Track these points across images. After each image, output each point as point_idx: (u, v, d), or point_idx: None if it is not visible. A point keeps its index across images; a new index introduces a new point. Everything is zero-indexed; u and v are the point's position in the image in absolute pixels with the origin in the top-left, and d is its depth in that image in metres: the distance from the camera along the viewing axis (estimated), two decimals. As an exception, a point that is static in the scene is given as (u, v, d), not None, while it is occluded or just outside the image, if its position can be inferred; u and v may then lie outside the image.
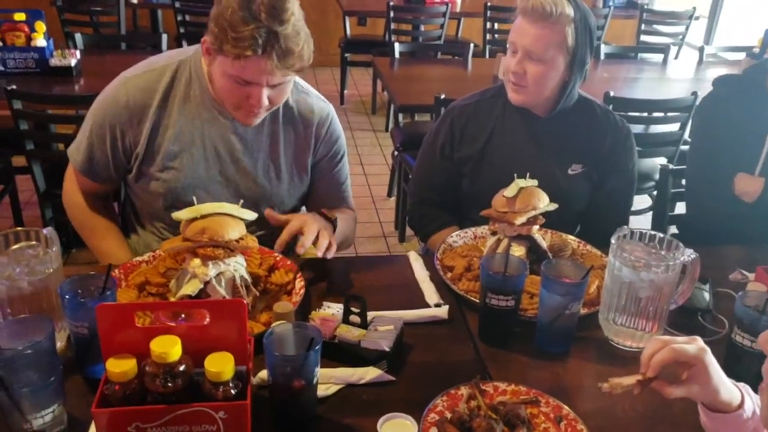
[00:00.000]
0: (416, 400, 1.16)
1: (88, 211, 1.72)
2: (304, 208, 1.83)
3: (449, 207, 1.92)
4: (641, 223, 3.76)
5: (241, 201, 1.41)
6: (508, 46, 1.75)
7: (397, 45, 3.68)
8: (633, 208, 3.65)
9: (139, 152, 1.60)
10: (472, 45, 3.71)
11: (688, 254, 1.35)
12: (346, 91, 5.58)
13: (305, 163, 1.72)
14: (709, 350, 1.00)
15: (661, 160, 3.18)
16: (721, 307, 1.51)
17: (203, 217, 1.34)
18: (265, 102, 1.47)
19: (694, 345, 1.00)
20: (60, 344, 1.26)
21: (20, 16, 3.08)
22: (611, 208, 1.90)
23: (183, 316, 1.12)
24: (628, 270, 1.30)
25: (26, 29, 3.05)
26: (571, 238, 1.72)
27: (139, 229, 1.77)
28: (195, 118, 1.59)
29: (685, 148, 2.84)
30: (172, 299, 1.36)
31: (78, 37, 3.54)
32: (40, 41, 3.05)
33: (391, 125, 4.85)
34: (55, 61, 3.04)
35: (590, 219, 1.92)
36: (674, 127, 3.10)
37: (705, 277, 1.54)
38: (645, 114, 3.22)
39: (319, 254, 1.48)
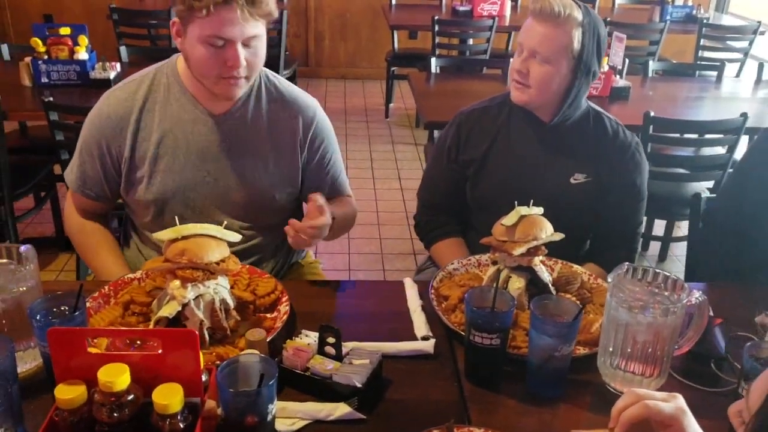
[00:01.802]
0: (384, 441, 1.10)
1: (84, 229, 1.73)
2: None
3: (456, 214, 1.91)
4: (683, 251, 3.60)
5: (225, 222, 1.38)
6: (516, 46, 1.74)
7: (434, 60, 3.63)
8: (677, 235, 3.52)
9: (125, 159, 1.62)
10: (511, 60, 3.59)
11: (696, 296, 1.24)
12: (391, 105, 5.53)
13: (295, 158, 1.71)
14: (688, 411, 0.91)
15: (708, 184, 3.02)
16: (739, 354, 1.39)
17: (184, 238, 1.32)
18: (243, 61, 1.48)
19: (671, 403, 0.91)
20: (37, 363, 1.25)
21: (65, 31, 3.16)
22: (618, 225, 1.85)
23: (138, 343, 1.09)
24: (624, 311, 1.20)
25: (70, 43, 3.14)
26: (582, 270, 1.62)
27: (140, 245, 1.77)
28: (177, 120, 1.61)
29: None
30: (153, 320, 1.34)
31: (123, 50, 3.62)
32: (82, 54, 3.13)
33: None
34: (95, 74, 3.12)
35: (598, 238, 1.89)
36: (722, 149, 2.93)
37: (724, 317, 1.42)
38: (692, 135, 3.05)
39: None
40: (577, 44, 1.66)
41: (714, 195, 2.06)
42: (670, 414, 0.90)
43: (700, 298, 1.24)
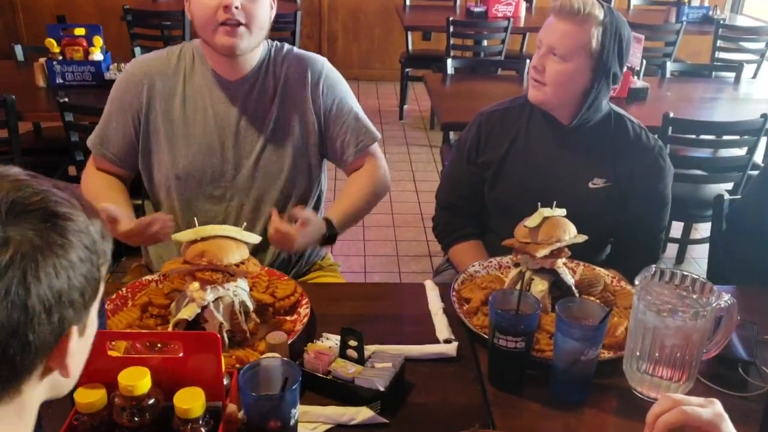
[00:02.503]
0: (407, 446, 1.08)
1: (96, 180, 1.74)
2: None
3: (475, 217, 1.88)
4: (700, 253, 3.57)
5: (245, 224, 1.37)
6: (536, 44, 1.71)
7: (449, 61, 3.60)
8: (694, 237, 3.47)
9: (143, 116, 1.68)
10: (528, 61, 3.57)
11: (725, 299, 1.21)
12: (406, 106, 5.50)
13: (308, 111, 1.73)
14: (727, 417, 0.88)
15: (727, 186, 2.98)
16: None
17: (204, 239, 1.30)
18: (237, 2, 1.53)
19: (709, 409, 0.88)
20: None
21: (80, 31, 3.16)
22: (640, 232, 1.80)
23: (159, 346, 1.07)
24: (652, 314, 1.18)
25: (84, 43, 3.14)
26: (604, 272, 1.59)
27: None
28: (198, 88, 1.69)
29: (754, 173, 2.64)
30: (172, 322, 1.32)
31: (137, 51, 3.62)
32: (96, 55, 3.13)
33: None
34: (110, 75, 3.11)
35: (618, 244, 1.85)
36: (741, 151, 2.89)
37: (752, 321, 1.39)
38: (710, 137, 3.01)
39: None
40: (595, 43, 1.62)
41: (735, 197, 2.03)
42: (709, 420, 0.87)
43: (729, 301, 1.21)
